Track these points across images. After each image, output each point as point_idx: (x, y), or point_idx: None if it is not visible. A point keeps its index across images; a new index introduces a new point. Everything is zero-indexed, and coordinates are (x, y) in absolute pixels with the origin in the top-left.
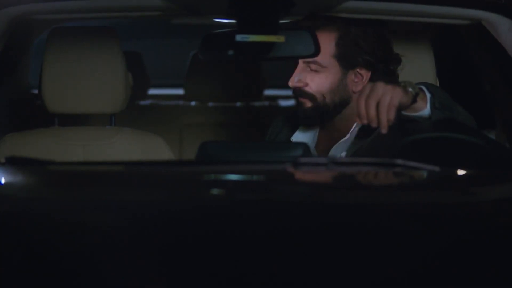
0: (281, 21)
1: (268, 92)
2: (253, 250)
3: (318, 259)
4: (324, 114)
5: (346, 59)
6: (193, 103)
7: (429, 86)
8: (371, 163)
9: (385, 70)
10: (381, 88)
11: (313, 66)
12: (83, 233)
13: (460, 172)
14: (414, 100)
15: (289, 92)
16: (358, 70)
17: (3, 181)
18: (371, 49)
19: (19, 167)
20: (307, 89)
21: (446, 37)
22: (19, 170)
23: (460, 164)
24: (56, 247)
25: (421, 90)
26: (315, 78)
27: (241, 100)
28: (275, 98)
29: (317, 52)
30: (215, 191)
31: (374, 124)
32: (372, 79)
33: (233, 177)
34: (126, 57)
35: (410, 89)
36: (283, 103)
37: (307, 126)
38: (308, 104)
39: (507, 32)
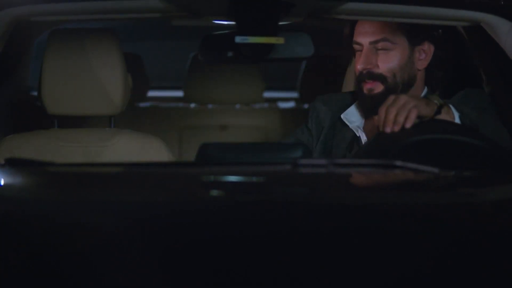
0: (280, 23)
1: (267, 94)
2: (253, 252)
3: (318, 260)
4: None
5: (415, 34)
6: (192, 105)
7: (460, 103)
8: (370, 165)
9: (445, 44)
10: (404, 98)
11: (382, 45)
12: (83, 234)
13: (459, 173)
14: (438, 112)
15: (289, 94)
16: (422, 46)
17: (2, 183)
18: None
19: (18, 168)
20: (377, 70)
21: (445, 39)
22: (19, 172)
23: (459, 165)
24: (56, 248)
25: (447, 105)
26: (385, 57)
27: (240, 102)
28: (274, 100)
29: (316, 53)
30: (214, 192)
31: (396, 129)
32: (435, 55)
33: (232, 178)
34: (125, 59)
35: (435, 101)
36: (283, 105)
37: (371, 111)
38: (379, 88)
39: (507, 33)
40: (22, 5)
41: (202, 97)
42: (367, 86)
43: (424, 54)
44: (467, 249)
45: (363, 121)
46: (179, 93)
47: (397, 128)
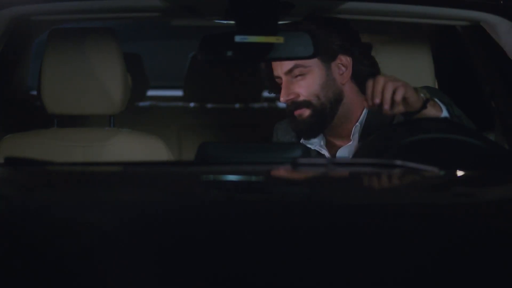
0: (280, 22)
1: (267, 93)
2: (252, 251)
3: (318, 260)
4: (324, 118)
5: (325, 52)
6: (192, 104)
7: (443, 97)
8: (370, 164)
9: (363, 54)
10: (393, 76)
11: (297, 71)
12: (82, 233)
13: (459, 173)
14: (424, 106)
15: None
16: (339, 61)
17: (2, 182)
18: (342, 35)
19: (18, 168)
20: (300, 98)
21: (445, 38)
22: (18, 171)
23: (459, 165)
24: (55, 248)
25: (434, 100)
26: (303, 83)
27: (240, 102)
28: (274, 99)
29: (316, 53)
30: (214, 191)
31: (386, 104)
32: (355, 67)
33: (232, 178)
34: (125, 59)
35: (422, 95)
36: (282, 104)
37: (311, 137)
38: (306, 112)
39: (507, 33)
40: (22, 5)
41: (202, 96)
42: (296, 113)
43: (344, 67)
44: (467, 249)
45: (322, 138)
46: (179, 93)
47: (385, 104)
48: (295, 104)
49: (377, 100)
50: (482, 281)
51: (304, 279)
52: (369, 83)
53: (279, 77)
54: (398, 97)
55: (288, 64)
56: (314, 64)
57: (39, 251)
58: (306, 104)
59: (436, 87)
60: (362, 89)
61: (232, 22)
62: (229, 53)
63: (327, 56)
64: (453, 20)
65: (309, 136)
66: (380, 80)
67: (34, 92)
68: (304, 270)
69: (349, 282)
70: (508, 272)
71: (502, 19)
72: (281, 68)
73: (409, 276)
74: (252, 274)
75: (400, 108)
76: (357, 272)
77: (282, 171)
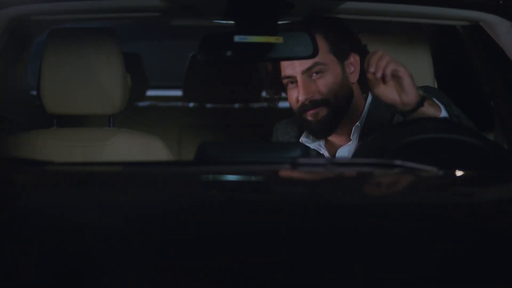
0: (279, 22)
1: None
2: (252, 251)
3: (317, 259)
4: (338, 116)
5: (341, 50)
6: (191, 104)
7: (442, 97)
8: (369, 164)
9: (366, 53)
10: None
11: (316, 69)
12: (82, 233)
13: (459, 173)
14: (421, 103)
15: None
16: (349, 60)
17: (2, 182)
18: (349, 34)
19: (18, 168)
20: (318, 96)
21: (444, 38)
22: (18, 171)
23: (458, 165)
24: (55, 248)
25: (432, 99)
26: (322, 82)
27: (239, 102)
28: (273, 99)
29: (315, 53)
30: (213, 191)
31: (379, 72)
32: (361, 66)
33: (231, 178)
34: (125, 59)
35: (420, 92)
36: (282, 104)
37: (323, 136)
38: (324, 111)
39: (506, 33)
40: (22, 5)
41: (201, 96)
42: (310, 113)
43: (353, 67)
44: (467, 249)
45: (322, 143)
46: (179, 93)
47: (378, 72)
48: (313, 103)
49: (372, 69)
50: (482, 281)
51: (304, 279)
52: (369, 55)
53: (291, 77)
54: (389, 68)
55: (305, 63)
56: (331, 62)
57: (39, 251)
58: (324, 102)
59: (436, 87)
60: (363, 89)
61: (232, 22)
62: (229, 53)
63: (341, 54)
64: (453, 20)
65: (321, 135)
66: (378, 52)
67: (34, 92)
68: (304, 270)
69: (349, 282)
70: (508, 272)
71: (502, 19)
72: (294, 68)
73: (408, 276)
74: (252, 274)
75: (395, 97)
76: (357, 272)
77: (282, 171)
